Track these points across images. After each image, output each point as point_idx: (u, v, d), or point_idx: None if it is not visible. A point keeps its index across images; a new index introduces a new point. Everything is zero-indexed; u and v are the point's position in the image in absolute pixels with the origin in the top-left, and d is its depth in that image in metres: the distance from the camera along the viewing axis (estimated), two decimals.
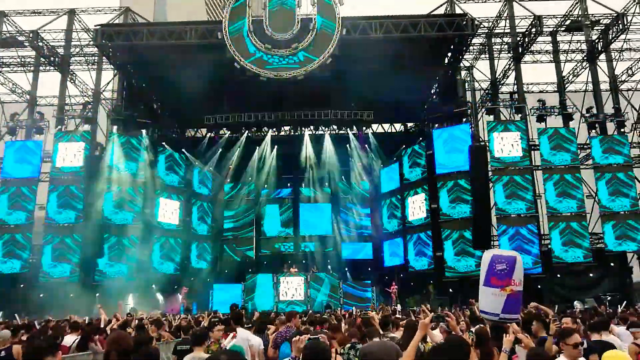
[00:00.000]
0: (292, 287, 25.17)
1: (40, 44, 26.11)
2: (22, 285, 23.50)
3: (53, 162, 25.14)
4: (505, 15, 26.78)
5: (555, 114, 26.22)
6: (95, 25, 25.00)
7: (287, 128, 30.81)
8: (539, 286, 22.93)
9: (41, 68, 28.79)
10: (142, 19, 28.60)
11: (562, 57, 28.19)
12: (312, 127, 30.32)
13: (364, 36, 23.71)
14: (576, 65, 28.48)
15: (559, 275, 23.85)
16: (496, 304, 6.14)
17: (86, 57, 28.37)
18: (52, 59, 27.24)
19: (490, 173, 24.57)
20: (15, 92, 29.72)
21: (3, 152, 25.95)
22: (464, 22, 23.79)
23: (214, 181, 30.73)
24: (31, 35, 25.81)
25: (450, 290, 23.95)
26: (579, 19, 26.68)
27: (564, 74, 28.24)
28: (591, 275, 23.95)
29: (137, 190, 24.95)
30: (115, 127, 26.07)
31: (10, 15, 27.61)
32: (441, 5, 26.78)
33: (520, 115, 25.85)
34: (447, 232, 24.55)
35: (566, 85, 28.26)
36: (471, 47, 27.01)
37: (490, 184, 24.60)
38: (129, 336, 4.63)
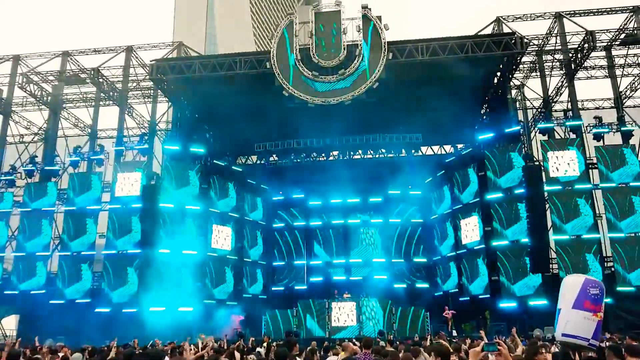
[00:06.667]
0: (345, 312, 24.87)
1: (101, 80, 27.53)
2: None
3: (112, 191, 26.22)
4: (555, 31, 26.19)
5: (614, 130, 25.20)
6: (150, 61, 26.19)
7: (335, 153, 30.91)
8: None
9: (101, 103, 30.37)
10: (195, 52, 29.74)
11: (618, 71, 27.21)
12: (360, 152, 30.36)
13: (411, 59, 23.73)
14: (634, 80, 27.40)
15: (624, 301, 22.50)
16: (588, 329, 5.99)
17: (142, 91, 29.71)
18: (111, 94, 28.65)
19: (546, 194, 23.77)
20: (77, 127, 31.45)
21: (67, 184, 27.31)
22: (513, 41, 23.41)
23: (265, 207, 31.15)
24: (92, 72, 27.27)
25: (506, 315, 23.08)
26: (635, 32, 25.78)
27: (620, 89, 27.23)
28: None
29: (191, 217, 25.61)
30: (169, 157, 26.97)
31: (74, 55, 29.43)
32: (488, 25, 26.54)
33: (575, 133, 25.01)
34: (502, 255, 23.85)
35: (624, 101, 27.21)
36: (521, 66, 26.49)
37: (547, 205, 23.79)
38: None
